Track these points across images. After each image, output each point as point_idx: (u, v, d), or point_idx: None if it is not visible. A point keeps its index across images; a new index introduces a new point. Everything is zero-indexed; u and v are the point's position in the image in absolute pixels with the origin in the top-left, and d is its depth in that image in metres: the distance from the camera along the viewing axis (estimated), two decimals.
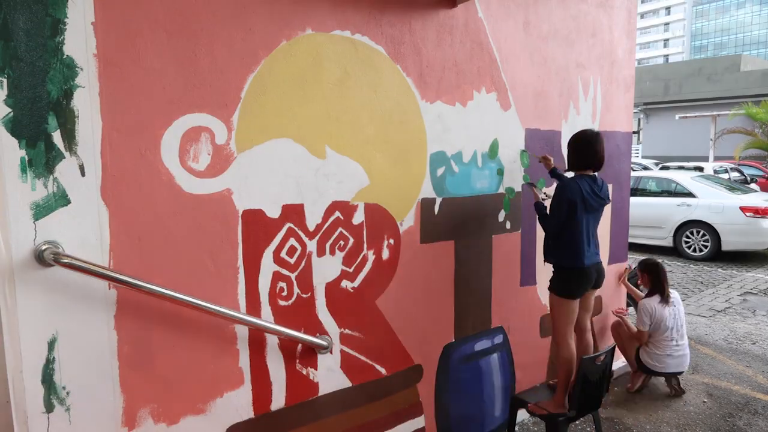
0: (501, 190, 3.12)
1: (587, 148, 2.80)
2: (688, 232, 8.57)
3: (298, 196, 2.22)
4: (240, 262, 2.07)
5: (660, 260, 3.89)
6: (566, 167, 2.87)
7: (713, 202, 8.39)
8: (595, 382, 2.90)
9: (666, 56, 72.04)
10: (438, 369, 2.88)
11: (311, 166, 2.24)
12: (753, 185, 13.17)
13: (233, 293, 2.07)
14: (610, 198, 2.90)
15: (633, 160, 13.79)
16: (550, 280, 2.94)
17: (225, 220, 2.01)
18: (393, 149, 2.54)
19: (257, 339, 2.16)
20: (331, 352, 2.40)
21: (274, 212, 2.15)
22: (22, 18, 1.55)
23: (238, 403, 2.12)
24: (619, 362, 4.24)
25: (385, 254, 2.56)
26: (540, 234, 3.40)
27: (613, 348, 3.07)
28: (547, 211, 2.86)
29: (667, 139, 25.43)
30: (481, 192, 2.99)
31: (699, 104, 23.33)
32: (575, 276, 2.82)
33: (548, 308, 3.53)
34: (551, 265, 2.94)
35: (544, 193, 3.05)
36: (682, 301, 6.24)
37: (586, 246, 2.79)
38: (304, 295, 2.29)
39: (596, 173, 2.88)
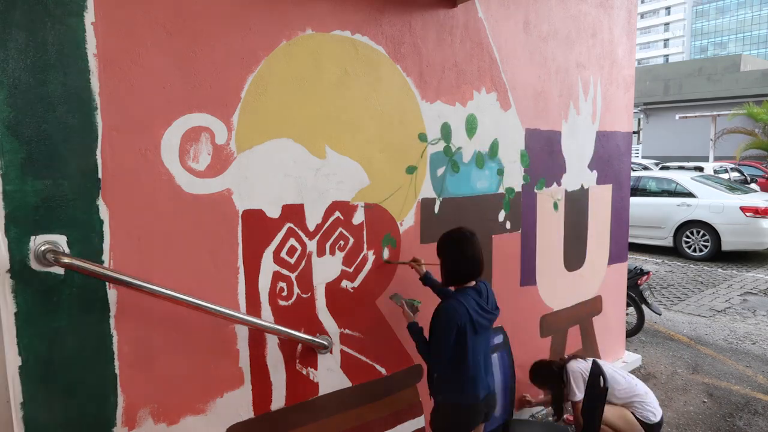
0: (501, 190, 3.12)
1: (460, 253, 2.22)
2: (688, 232, 8.57)
3: (298, 196, 2.22)
4: (240, 262, 2.07)
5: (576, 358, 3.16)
6: (441, 282, 2.33)
7: (713, 202, 8.39)
8: None
9: (666, 56, 72.06)
10: None
11: (311, 166, 2.24)
12: (753, 185, 13.16)
13: (233, 293, 2.07)
14: (498, 307, 2.32)
15: (633, 160, 13.79)
16: (431, 419, 2.30)
17: (225, 220, 2.01)
18: (393, 149, 2.54)
19: (257, 339, 2.16)
20: (331, 352, 2.40)
21: (274, 212, 2.15)
22: (23, 18, 1.55)
23: (238, 403, 2.12)
24: (618, 362, 4.24)
25: (385, 254, 2.56)
26: (540, 234, 3.41)
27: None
28: (427, 338, 2.24)
29: (667, 139, 25.42)
30: (481, 192, 2.99)
31: (699, 104, 23.32)
32: (464, 415, 2.21)
33: (549, 308, 3.54)
34: (434, 400, 2.30)
35: (416, 308, 2.42)
36: (682, 300, 6.26)
37: (482, 375, 2.22)
38: (304, 295, 2.29)
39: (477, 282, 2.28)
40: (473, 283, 2.26)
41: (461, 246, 2.23)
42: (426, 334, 2.25)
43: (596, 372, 2.78)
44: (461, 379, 2.18)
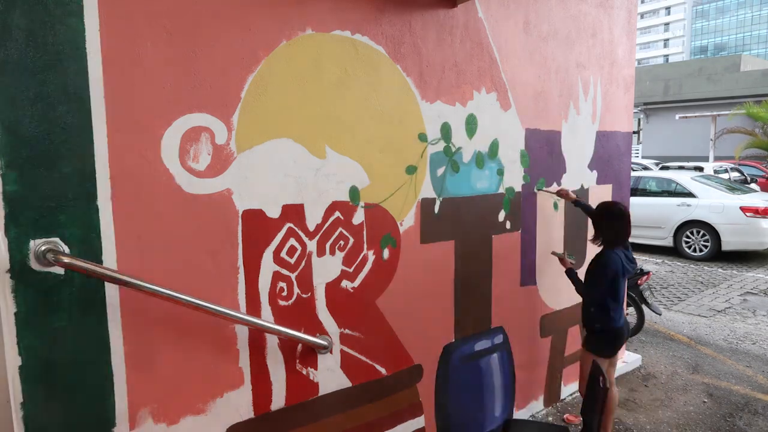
0: (501, 190, 3.12)
1: (620, 223, 2.95)
2: (688, 232, 8.57)
3: (298, 196, 2.22)
4: (240, 262, 2.07)
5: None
6: (598, 242, 3.00)
7: (713, 202, 8.39)
8: None
9: (666, 56, 72.05)
10: (438, 369, 2.88)
11: (311, 166, 2.24)
12: (753, 185, 13.16)
13: (233, 293, 2.07)
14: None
15: (633, 160, 13.79)
16: (586, 341, 3.09)
17: (225, 220, 2.01)
18: (393, 149, 2.54)
19: (257, 339, 2.15)
20: (331, 352, 2.40)
21: (274, 212, 2.15)
22: (23, 19, 1.55)
23: (238, 403, 2.12)
24: (618, 363, 4.24)
25: (385, 254, 2.56)
26: (540, 234, 3.41)
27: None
28: (583, 280, 3.03)
29: (667, 139, 25.41)
30: (481, 192, 2.99)
31: (699, 104, 23.31)
32: (613, 337, 3.00)
33: (549, 308, 3.55)
34: (590, 328, 3.05)
35: (572, 260, 3.22)
36: (683, 300, 6.26)
37: (623, 308, 3.04)
38: (304, 295, 2.29)
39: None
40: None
41: (621, 221, 2.96)
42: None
43: (596, 372, 2.77)
44: (614, 311, 2.95)
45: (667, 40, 74.43)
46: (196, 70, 1.90)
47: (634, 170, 10.49)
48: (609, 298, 2.92)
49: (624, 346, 3.29)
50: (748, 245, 8.19)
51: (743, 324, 5.44)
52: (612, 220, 2.96)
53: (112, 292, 1.77)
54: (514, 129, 3.15)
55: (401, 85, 2.54)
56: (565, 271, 3.13)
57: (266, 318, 2.17)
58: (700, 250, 8.44)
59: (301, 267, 2.26)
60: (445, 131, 2.76)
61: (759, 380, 4.10)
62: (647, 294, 4.89)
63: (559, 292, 3.63)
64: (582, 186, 3.72)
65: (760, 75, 22.67)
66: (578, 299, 3.80)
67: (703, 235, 8.40)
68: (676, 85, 25.11)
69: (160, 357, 1.89)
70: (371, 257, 2.51)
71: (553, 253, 3.32)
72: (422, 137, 2.65)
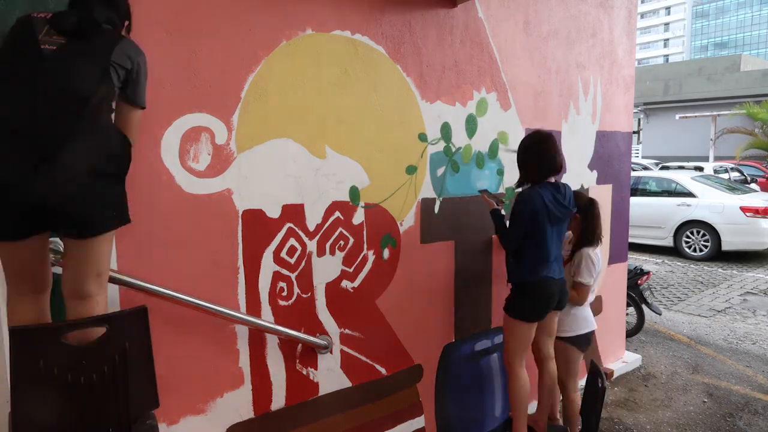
0: (501, 190, 3.12)
1: (542, 152, 2.52)
2: (688, 232, 8.57)
3: (298, 196, 2.22)
4: (240, 262, 2.07)
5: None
6: (521, 181, 2.63)
7: (713, 202, 8.40)
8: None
9: (666, 56, 72.05)
10: (438, 369, 2.88)
11: (311, 166, 2.24)
12: (753, 185, 13.16)
13: (233, 293, 2.07)
14: (575, 206, 2.63)
15: (633, 160, 13.77)
16: (506, 300, 2.67)
17: (225, 220, 2.01)
18: (393, 149, 2.54)
19: (257, 339, 2.15)
20: (331, 352, 2.40)
21: (274, 212, 2.15)
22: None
23: (238, 403, 2.12)
24: (618, 363, 4.24)
25: (385, 254, 2.56)
26: None
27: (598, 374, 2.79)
28: (506, 224, 2.62)
29: (667, 139, 25.41)
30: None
31: (699, 104, 23.31)
32: (536, 293, 2.55)
33: None
34: (510, 286, 2.68)
35: (500, 200, 2.74)
36: (682, 300, 6.26)
37: (551, 260, 2.54)
38: (304, 295, 2.29)
39: (557, 180, 2.60)
40: (553, 179, 2.55)
41: (546, 143, 2.52)
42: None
43: (594, 372, 2.78)
44: (532, 261, 2.51)
45: (667, 40, 74.44)
46: (196, 69, 1.90)
47: (634, 170, 10.48)
48: (529, 245, 2.50)
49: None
50: (748, 245, 8.19)
51: (743, 324, 5.44)
52: (531, 149, 2.55)
53: (112, 292, 1.76)
54: (514, 129, 3.15)
55: (401, 85, 2.54)
56: (490, 211, 2.68)
57: (266, 318, 2.17)
58: (700, 250, 8.44)
59: (301, 267, 2.26)
60: (445, 131, 2.76)
61: (759, 380, 4.10)
62: (647, 294, 4.89)
63: None
64: (582, 186, 3.72)
65: (760, 75, 22.67)
66: None
67: (703, 235, 8.40)
68: (676, 85, 25.11)
69: (159, 357, 1.88)
70: (371, 257, 2.51)
71: (481, 192, 2.82)
72: (422, 137, 2.65)
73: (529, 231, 2.48)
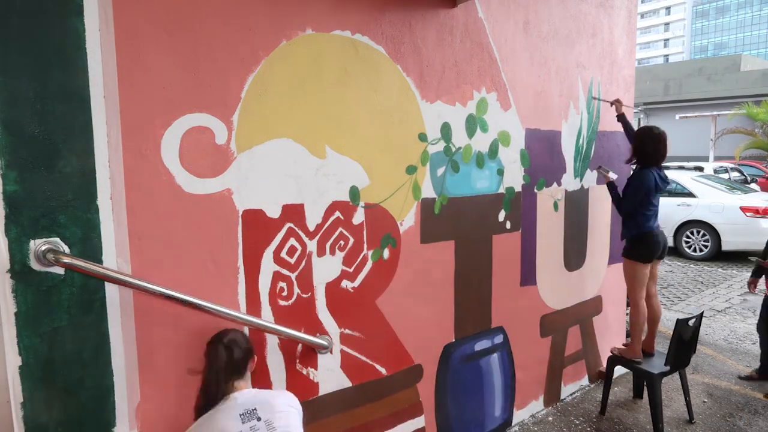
0: (501, 190, 3.12)
1: (658, 146, 3.32)
2: (688, 232, 8.57)
3: (298, 196, 2.22)
4: (240, 262, 2.07)
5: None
6: (631, 161, 3.48)
7: (713, 202, 8.39)
8: (686, 342, 3.35)
9: (666, 56, 72.03)
10: (438, 369, 2.89)
11: (311, 166, 2.24)
12: (753, 185, 13.16)
13: (233, 293, 2.07)
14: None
15: None
16: (624, 249, 3.46)
17: (225, 220, 2.01)
18: (393, 149, 2.54)
19: (257, 339, 2.15)
20: (331, 352, 2.40)
21: (274, 212, 2.15)
22: (23, 18, 1.55)
23: None
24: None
25: (386, 254, 2.56)
26: (540, 234, 3.41)
27: (702, 314, 3.44)
28: (620, 194, 3.42)
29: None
30: (481, 192, 2.99)
31: (699, 104, 23.30)
32: (650, 239, 3.35)
33: (549, 308, 3.55)
34: (626, 237, 3.43)
35: (607, 171, 3.51)
36: (683, 300, 6.25)
37: (656, 219, 3.42)
38: (304, 295, 2.29)
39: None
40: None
41: (659, 143, 3.35)
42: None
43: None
44: (645, 219, 3.35)
45: (667, 40, 74.41)
46: (196, 69, 1.90)
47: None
48: (641, 210, 3.32)
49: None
50: (748, 245, 8.19)
51: (743, 324, 5.44)
52: (650, 142, 3.33)
53: (112, 292, 1.77)
54: (514, 129, 3.15)
55: (401, 85, 2.54)
56: (607, 184, 3.50)
57: (266, 318, 2.17)
58: (700, 250, 8.44)
59: (301, 267, 2.26)
60: (445, 131, 2.76)
61: (759, 380, 4.09)
62: None
63: (559, 292, 3.63)
64: (582, 186, 3.72)
65: (760, 75, 22.67)
66: (578, 299, 3.82)
67: (703, 234, 8.40)
68: (676, 85, 25.10)
69: (159, 357, 1.89)
70: (371, 257, 2.51)
71: (598, 169, 3.60)
72: (422, 137, 2.65)
73: (643, 199, 3.31)
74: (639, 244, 3.39)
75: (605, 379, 3.63)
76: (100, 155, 1.71)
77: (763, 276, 4.00)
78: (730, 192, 8.74)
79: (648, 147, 3.34)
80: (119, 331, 1.79)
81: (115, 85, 1.72)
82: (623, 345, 3.67)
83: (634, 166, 3.55)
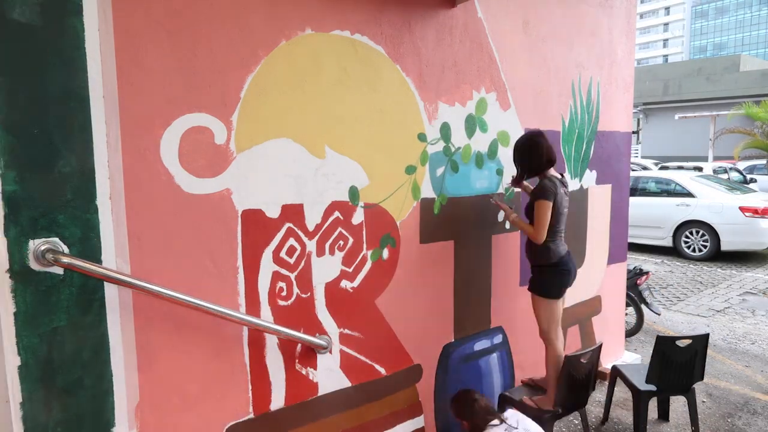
0: (501, 190, 3.12)
1: (539, 146, 2.79)
2: (687, 232, 8.57)
3: (298, 196, 2.22)
4: (240, 262, 2.07)
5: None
6: (522, 175, 2.88)
7: (712, 202, 8.40)
8: (581, 380, 2.92)
9: (665, 56, 72.06)
10: (438, 369, 2.89)
11: (311, 166, 2.24)
12: (752, 185, 13.17)
13: (233, 293, 2.07)
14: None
15: (632, 160, 13.76)
16: (531, 282, 2.94)
17: (225, 220, 2.01)
18: (393, 149, 2.54)
19: (257, 339, 2.15)
20: (330, 352, 2.40)
21: (273, 212, 2.15)
22: (23, 19, 1.55)
23: (238, 403, 2.12)
24: (618, 362, 4.24)
25: (385, 254, 2.56)
26: None
27: (599, 346, 3.03)
28: (531, 221, 2.81)
29: (666, 139, 25.42)
30: (480, 192, 2.99)
31: (698, 104, 23.32)
32: (561, 273, 2.85)
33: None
34: (534, 268, 2.92)
35: (501, 201, 3.02)
36: (682, 300, 6.26)
37: (564, 242, 2.89)
38: (303, 295, 2.29)
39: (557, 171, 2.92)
40: (551, 171, 2.84)
41: (539, 140, 2.80)
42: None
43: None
44: (560, 241, 2.83)
45: (667, 40, 74.45)
46: (195, 69, 1.90)
47: (633, 170, 10.50)
48: (555, 229, 2.79)
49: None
50: (748, 245, 8.20)
51: (742, 324, 5.44)
52: (530, 144, 2.81)
53: (111, 292, 1.77)
54: (513, 129, 3.15)
55: (401, 85, 2.54)
56: (511, 220, 2.93)
57: (266, 318, 2.17)
58: (700, 250, 8.44)
59: (300, 267, 2.26)
60: (445, 131, 2.76)
61: (758, 380, 4.10)
62: (646, 294, 4.89)
63: None
64: (581, 186, 3.72)
65: (759, 75, 22.70)
66: (578, 299, 3.81)
67: (703, 235, 8.40)
68: (675, 85, 25.13)
69: (159, 357, 1.89)
70: (371, 257, 2.51)
71: (493, 200, 3.01)
72: (422, 137, 2.65)
73: (554, 214, 2.76)
74: (554, 274, 2.85)
75: (608, 387, 3.44)
76: (99, 155, 1.70)
77: None
78: (729, 192, 8.74)
79: (532, 149, 2.81)
80: (118, 331, 1.79)
81: (115, 85, 1.72)
82: (537, 396, 3.04)
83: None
